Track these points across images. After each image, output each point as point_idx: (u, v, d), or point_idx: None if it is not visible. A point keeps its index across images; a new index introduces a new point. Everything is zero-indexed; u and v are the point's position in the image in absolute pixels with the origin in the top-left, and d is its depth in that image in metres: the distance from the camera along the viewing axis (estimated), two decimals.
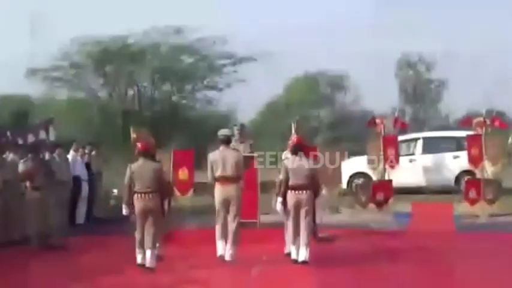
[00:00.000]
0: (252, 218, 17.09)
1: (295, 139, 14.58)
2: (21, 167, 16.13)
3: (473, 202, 20.08)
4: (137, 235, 13.11)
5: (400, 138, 23.87)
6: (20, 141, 20.00)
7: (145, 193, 12.98)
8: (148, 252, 12.82)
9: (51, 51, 29.00)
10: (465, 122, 23.93)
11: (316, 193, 13.88)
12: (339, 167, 21.88)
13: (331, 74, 44.34)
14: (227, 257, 13.14)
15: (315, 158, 16.97)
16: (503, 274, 11.81)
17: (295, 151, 13.91)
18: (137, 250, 13.08)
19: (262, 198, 18.29)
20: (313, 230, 14.72)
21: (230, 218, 13.82)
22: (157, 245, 13.43)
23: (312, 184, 13.41)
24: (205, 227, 16.49)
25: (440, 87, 48.39)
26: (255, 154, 18.92)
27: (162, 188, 13.45)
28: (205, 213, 17.96)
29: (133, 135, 16.51)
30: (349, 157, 25.04)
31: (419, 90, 47.05)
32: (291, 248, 13.32)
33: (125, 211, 13.30)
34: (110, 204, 21.30)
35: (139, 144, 14.03)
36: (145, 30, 28.84)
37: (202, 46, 30.38)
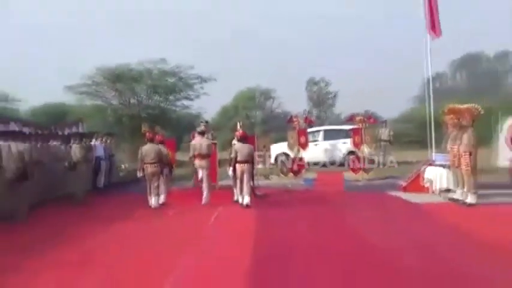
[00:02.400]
0: (213, 182, 17.63)
1: (240, 132, 16.33)
2: (73, 149, 17.22)
3: (356, 171, 21.53)
4: (148, 188, 15.54)
5: (309, 130, 24.94)
6: (59, 133, 20.53)
7: (151, 163, 15.47)
8: (154, 198, 15.36)
9: (81, 74, 29.46)
10: (350, 119, 24.74)
11: (253, 165, 16.05)
12: (269, 149, 23.02)
13: (263, 88, 44.26)
14: (203, 202, 15.65)
15: (253, 143, 18.06)
16: (370, 212, 13.46)
17: (240, 139, 15.69)
18: (148, 197, 15.49)
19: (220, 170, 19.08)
20: (252, 189, 15.94)
21: (204, 179, 16.17)
22: (163, 195, 15.83)
23: (251, 160, 15.46)
24: (184, 187, 18.54)
25: (334, 97, 49.83)
26: (215, 141, 19.41)
27: (161, 160, 15.76)
28: (183, 179, 19.68)
29: (143, 129, 17.54)
30: (275, 142, 26.42)
31: (321, 98, 48.01)
32: (238, 197, 15.32)
33: (139, 174, 15.86)
34: (119, 174, 22.03)
35: (147, 134, 16.29)
36: (141, 60, 29.28)
37: (179, 71, 31.13)
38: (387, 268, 8.03)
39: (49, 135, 19.41)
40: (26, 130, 18.37)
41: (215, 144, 19.08)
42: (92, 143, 19.76)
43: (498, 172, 17.15)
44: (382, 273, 7.69)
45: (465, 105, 14.76)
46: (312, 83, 50.93)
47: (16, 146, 14.04)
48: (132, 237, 11.27)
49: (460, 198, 13.91)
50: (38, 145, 16.66)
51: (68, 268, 8.43)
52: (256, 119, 29.10)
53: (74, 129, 21.92)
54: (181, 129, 28.03)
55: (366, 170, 21.40)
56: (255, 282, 7.25)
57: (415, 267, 7.93)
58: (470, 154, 13.64)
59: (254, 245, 9.68)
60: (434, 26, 18.48)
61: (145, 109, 29.11)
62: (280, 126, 30.93)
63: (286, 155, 24.19)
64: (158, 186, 15.70)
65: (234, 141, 16.44)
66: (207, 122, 22.49)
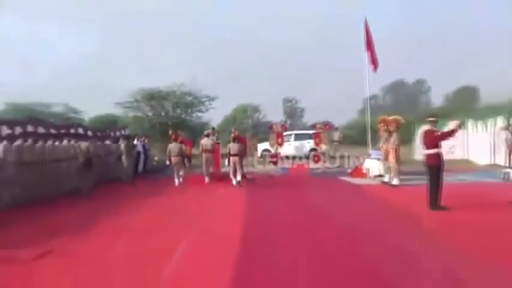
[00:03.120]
0: (216, 168, 17.98)
1: (234, 134, 16.47)
2: (121, 146, 17.20)
3: (316, 162, 21.24)
4: (174, 173, 16.00)
5: (284, 134, 24.64)
6: (112, 135, 20.68)
7: (175, 156, 15.85)
8: (177, 180, 15.78)
9: (126, 93, 29.45)
10: (313, 126, 24.89)
11: (242, 157, 16.43)
12: (256, 147, 23.21)
13: (253, 105, 44.39)
14: (206, 181, 16.12)
15: (244, 142, 18.20)
16: (326, 189, 13.90)
17: (233, 140, 15.93)
18: (174, 179, 15.88)
19: (222, 161, 19.04)
20: (244, 175, 16.17)
21: (210, 167, 16.71)
22: (181, 174, 16.15)
23: (240, 154, 15.75)
24: (198, 172, 17.72)
25: (301, 111, 49.74)
26: (219, 141, 19.49)
27: (182, 154, 16.22)
28: (197, 167, 18.91)
29: (170, 133, 17.71)
30: (261, 142, 26.28)
31: (292, 112, 47.82)
32: (233, 181, 15.38)
33: (167, 163, 16.30)
34: (153, 164, 21.95)
35: (172, 136, 16.73)
36: (168, 85, 29.31)
37: (194, 91, 30.88)
38: (335, 219, 9.41)
39: (104, 137, 19.94)
40: (89, 133, 19.15)
41: (219, 143, 19.19)
42: (134, 142, 19.84)
43: (414, 163, 17.50)
44: (332, 221, 9.15)
45: (392, 117, 14.95)
46: (286, 101, 50.99)
47: (83, 144, 14.66)
48: (162, 205, 11.97)
49: (388, 181, 14.12)
50: (97, 143, 17.02)
51: (124, 224, 9.23)
52: (248, 126, 29.20)
53: (121, 133, 22.30)
54: (196, 132, 27.61)
55: (323, 162, 21.25)
56: (246, 226, 8.42)
57: (354, 222, 8.86)
58: (395, 150, 13.80)
59: (247, 208, 10.70)
60: (373, 62, 18.77)
61: (170, 119, 28.88)
62: (264, 131, 30.92)
63: (268, 151, 24.15)
64: (180, 172, 16.07)
65: (231, 142, 16.31)
66: (213, 128, 22.58)
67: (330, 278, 5.38)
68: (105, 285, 5.46)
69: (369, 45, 18.70)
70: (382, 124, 14.98)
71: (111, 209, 11.16)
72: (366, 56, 18.87)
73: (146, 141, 21.10)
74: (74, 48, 75.40)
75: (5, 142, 11.43)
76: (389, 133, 14.20)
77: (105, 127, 23.53)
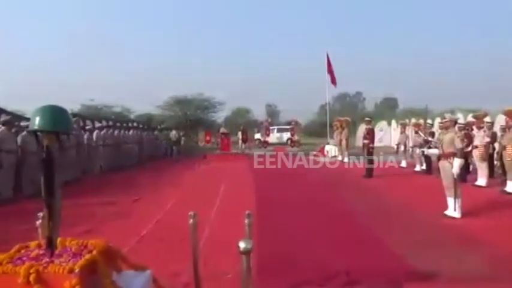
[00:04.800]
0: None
1: (243, 129, 17.47)
2: (159, 135, 18.04)
3: (292, 146, 21.42)
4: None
5: (270, 128, 24.99)
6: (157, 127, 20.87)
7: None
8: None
9: (162, 100, 29.44)
10: (289, 123, 25.30)
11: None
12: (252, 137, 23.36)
13: (246, 108, 44.72)
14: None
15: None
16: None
17: (242, 132, 17.23)
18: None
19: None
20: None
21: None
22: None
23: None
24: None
25: (278, 112, 49.78)
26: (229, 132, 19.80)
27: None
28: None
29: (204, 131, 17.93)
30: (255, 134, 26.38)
31: (273, 113, 47.70)
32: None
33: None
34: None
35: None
36: (192, 93, 29.06)
37: (209, 98, 30.82)
38: (306, 179, 9.97)
39: (148, 129, 19.72)
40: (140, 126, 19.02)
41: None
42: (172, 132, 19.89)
43: (357, 148, 17.77)
44: (305, 180, 9.74)
45: (344, 118, 15.84)
46: (268, 105, 51.24)
47: (135, 133, 15.17)
48: (194, 173, 11.91)
49: (340, 159, 14.44)
50: (144, 133, 16.91)
51: (178, 181, 9.54)
52: (242, 123, 29.27)
53: (160, 126, 21.99)
54: (213, 128, 27.09)
55: (296, 146, 21.83)
56: (255, 173, 8.54)
57: (318, 180, 9.74)
58: (346, 140, 14.51)
59: (251, 173, 10.44)
60: (333, 80, 18.97)
61: (193, 118, 29.21)
62: (255, 126, 30.66)
63: (259, 139, 24.48)
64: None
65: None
66: (226, 126, 22.63)
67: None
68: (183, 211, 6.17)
69: (330, 70, 18.84)
70: (337, 122, 15.77)
71: (161, 173, 11.63)
72: (327, 76, 18.92)
73: (177, 132, 20.60)
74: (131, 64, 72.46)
75: (97, 131, 11.94)
76: (342, 128, 14.81)
77: (148, 123, 23.41)
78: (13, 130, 7.73)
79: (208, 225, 5.05)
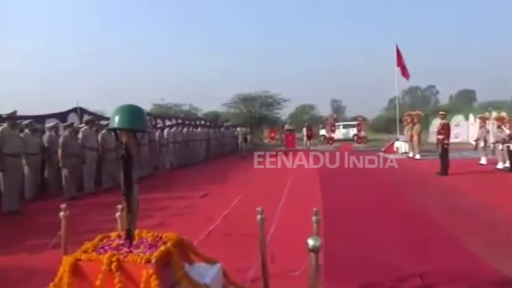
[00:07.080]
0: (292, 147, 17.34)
1: (307, 125, 16.20)
2: (226, 133, 18.29)
3: (359, 143, 21.12)
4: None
5: (336, 124, 24.62)
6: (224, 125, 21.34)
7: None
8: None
9: (228, 98, 30.14)
10: (356, 119, 24.69)
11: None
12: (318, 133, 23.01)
13: (310, 104, 44.74)
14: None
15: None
16: (370, 159, 11.39)
17: (307, 128, 15.82)
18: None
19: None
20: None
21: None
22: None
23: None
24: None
25: (344, 107, 48.57)
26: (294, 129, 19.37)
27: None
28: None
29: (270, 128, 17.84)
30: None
31: (338, 109, 46.49)
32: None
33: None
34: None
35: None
36: (256, 91, 29.75)
37: (274, 95, 30.97)
38: (376, 177, 9.44)
39: (215, 126, 19.92)
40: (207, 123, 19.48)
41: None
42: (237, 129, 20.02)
43: (430, 144, 16.86)
44: (374, 178, 9.26)
45: (415, 112, 15.01)
46: (333, 101, 49.76)
47: (202, 130, 15.50)
48: (260, 170, 11.42)
49: (412, 156, 13.99)
50: (211, 130, 17.07)
51: (241, 175, 9.88)
52: (306, 119, 28.88)
53: (227, 124, 22.24)
54: (276, 125, 26.82)
55: (364, 143, 21.26)
56: (318, 180, 8.24)
57: (388, 178, 9.22)
58: (418, 135, 13.90)
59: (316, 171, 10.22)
60: (405, 72, 17.90)
61: (258, 115, 29.46)
62: (320, 122, 30.16)
63: (324, 135, 24.30)
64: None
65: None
66: (290, 122, 22.48)
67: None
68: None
69: (400, 63, 17.76)
70: (408, 117, 14.98)
71: (231, 169, 11.77)
72: (397, 69, 17.91)
73: (243, 129, 21.18)
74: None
75: (167, 129, 12.49)
76: (414, 123, 14.15)
77: (215, 120, 24.00)
78: (94, 129, 8.42)
79: (274, 222, 5.04)
